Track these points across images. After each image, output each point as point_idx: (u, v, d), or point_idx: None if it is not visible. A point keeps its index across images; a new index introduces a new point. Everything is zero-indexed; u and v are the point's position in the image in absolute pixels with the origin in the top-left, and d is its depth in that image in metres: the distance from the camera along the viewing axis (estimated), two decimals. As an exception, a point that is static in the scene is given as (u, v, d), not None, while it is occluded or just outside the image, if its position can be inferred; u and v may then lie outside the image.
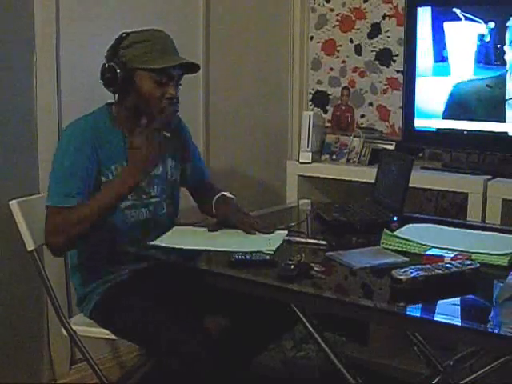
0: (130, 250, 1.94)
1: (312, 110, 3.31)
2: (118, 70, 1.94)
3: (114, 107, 2.04)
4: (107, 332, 1.99)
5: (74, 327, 2.04)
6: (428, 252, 1.67)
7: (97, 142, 1.97)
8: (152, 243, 1.87)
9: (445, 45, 2.64)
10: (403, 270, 1.49)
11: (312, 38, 3.32)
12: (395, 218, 1.97)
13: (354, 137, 2.91)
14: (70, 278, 2.14)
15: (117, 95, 2.02)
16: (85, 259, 2.04)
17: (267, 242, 1.83)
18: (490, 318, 1.40)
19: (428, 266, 1.52)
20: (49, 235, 1.92)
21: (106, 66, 1.96)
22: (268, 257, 1.70)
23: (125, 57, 1.96)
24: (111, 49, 1.99)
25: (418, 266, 1.51)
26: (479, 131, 2.60)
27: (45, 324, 2.41)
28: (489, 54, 2.53)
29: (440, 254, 1.64)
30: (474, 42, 2.56)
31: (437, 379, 2.20)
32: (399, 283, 1.46)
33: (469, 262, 1.55)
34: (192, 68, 2.05)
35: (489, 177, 2.50)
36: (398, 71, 3.05)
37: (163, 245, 1.86)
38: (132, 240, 1.96)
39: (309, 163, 2.88)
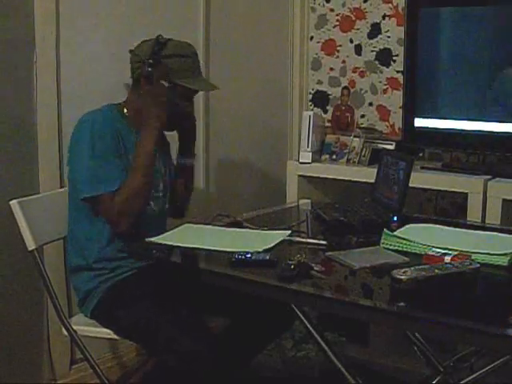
0: (130, 249, 1.93)
1: (312, 109, 3.31)
2: (166, 84, 2.00)
3: (125, 108, 2.08)
4: (108, 332, 1.99)
5: (74, 327, 2.04)
6: (428, 252, 1.67)
7: (116, 131, 1.99)
8: (149, 240, 1.85)
9: (445, 45, 2.64)
10: (403, 270, 1.48)
11: (312, 38, 3.32)
12: (395, 218, 1.97)
13: (354, 137, 2.90)
14: (70, 280, 2.14)
15: (135, 95, 2.07)
16: (85, 259, 2.04)
17: (266, 242, 1.82)
18: (489, 318, 1.40)
19: (428, 266, 1.52)
20: (118, 223, 1.95)
21: (150, 62, 2.00)
22: (268, 257, 1.70)
23: (167, 65, 2.02)
24: (152, 53, 2.02)
25: (417, 266, 1.51)
26: (479, 131, 2.61)
27: (45, 324, 2.41)
28: (488, 54, 2.53)
29: (440, 254, 1.64)
30: (473, 43, 2.57)
31: (437, 379, 2.20)
32: (399, 283, 1.46)
33: (469, 262, 1.55)
34: None
35: (489, 177, 2.50)
36: (398, 71, 3.06)
37: (160, 242, 1.85)
38: (137, 236, 1.96)
39: (309, 163, 2.88)
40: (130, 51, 2.08)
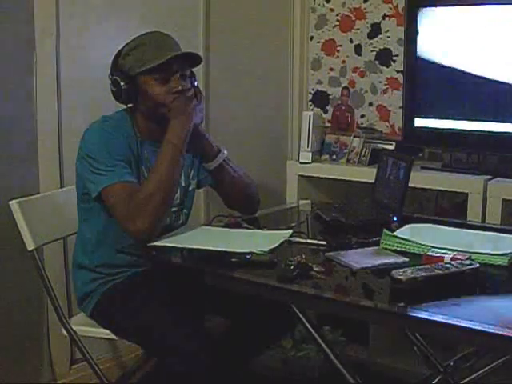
0: (131, 252, 1.92)
1: (312, 110, 3.31)
2: (122, 83, 1.92)
3: (135, 117, 2.00)
4: (107, 332, 1.99)
5: (74, 327, 2.04)
6: (428, 252, 1.67)
7: (128, 142, 1.94)
8: (151, 244, 1.83)
9: (446, 44, 2.64)
10: (403, 269, 1.49)
11: (312, 38, 3.32)
12: (395, 218, 1.97)
13: (354, 137, 2.91)
14: (72, 277, 2.13)
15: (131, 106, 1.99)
16: (90, 260, 2.03)
17: (270, 242, 1.81)
18: (489, 318, 1.40)
19: (428, 266, 1.52)
20: (129, 220, 1.80)
21: (110, 80, 1.96)
22: (268, 257, 1.69)
23: (124, 66, 1.95)
24: (112, 63, 1.99)
25: (417, 266, 1.51)
26: (479, 131, 2.60)
27: (45, 324, 2.41)
28: (488, 54, 2.53)
29: (440, 253, 1.64)
30: (472, 42, 2.56)
31: (437, 379, 2.20)
32: (399, 283, 1.46)
33: (469, 262, 1.55)
34: (193, 61, 2.00)
35: (489, 177, 2.50)
36: (398, 71, 3.06)
37: (162, 245, 1.85)
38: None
39: (309, 163, 2.89)
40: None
